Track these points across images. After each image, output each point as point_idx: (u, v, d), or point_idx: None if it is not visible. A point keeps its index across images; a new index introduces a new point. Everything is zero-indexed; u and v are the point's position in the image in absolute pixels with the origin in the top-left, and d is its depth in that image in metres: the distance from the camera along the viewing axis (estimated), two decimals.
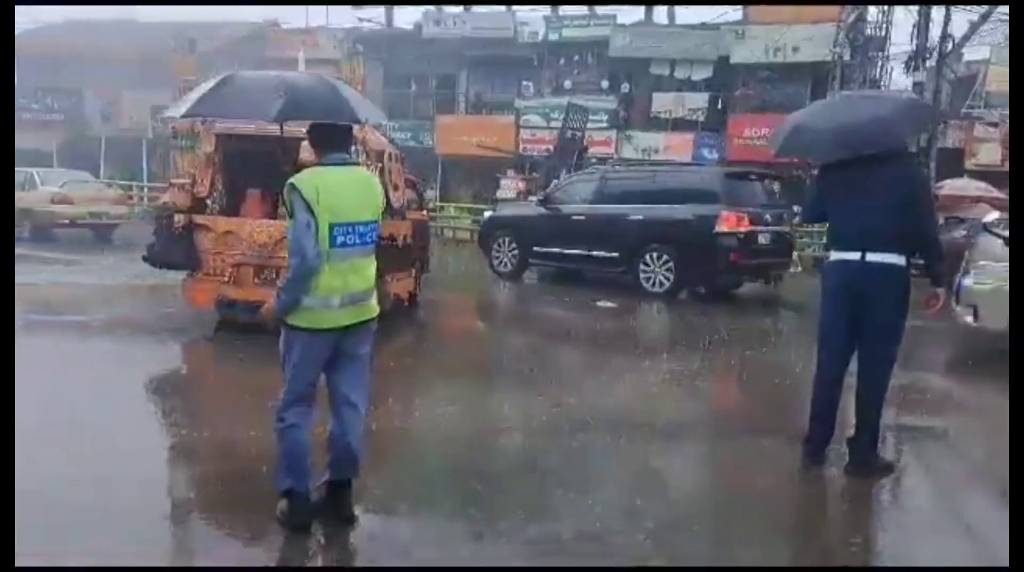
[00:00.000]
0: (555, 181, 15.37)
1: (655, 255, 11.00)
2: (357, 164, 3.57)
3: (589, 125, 21.87)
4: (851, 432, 4.28)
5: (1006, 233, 7.05)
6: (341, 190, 3.21)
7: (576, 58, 24.61)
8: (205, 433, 4.54)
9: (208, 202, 7.53)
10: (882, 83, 22.02)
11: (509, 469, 4.39)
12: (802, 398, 4.56)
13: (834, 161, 4.28)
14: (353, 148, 7.34)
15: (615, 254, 11.35)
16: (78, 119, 27.62)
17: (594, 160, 19.93)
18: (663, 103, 23.26)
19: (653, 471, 4.39)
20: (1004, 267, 6.91)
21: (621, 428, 4.92)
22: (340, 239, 3.16)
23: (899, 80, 22.28)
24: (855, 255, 4.09)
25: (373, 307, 3.36)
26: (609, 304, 10.19)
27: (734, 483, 4.28)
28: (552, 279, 12.71)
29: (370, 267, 3.35)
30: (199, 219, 7.34)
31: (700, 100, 23.00)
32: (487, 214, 14.50)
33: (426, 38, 25.23)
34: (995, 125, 20.31)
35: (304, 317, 3.18)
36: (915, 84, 19.89)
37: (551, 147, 21.69)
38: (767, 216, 11.20)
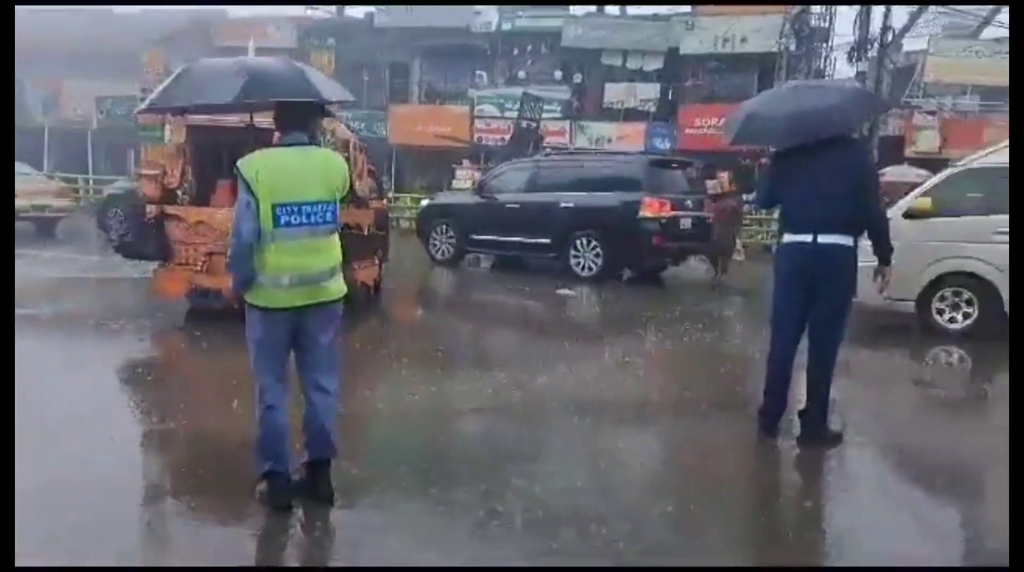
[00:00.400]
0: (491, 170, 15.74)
1: (584, 241, 11.49)
2: (311, 144, 3.48)
3: (543, 115, 22.05)
4: (802, 406, 4.52)
5: None
6: (286, 170, 3.26)
7: (529, 48, 24.73)
8: (183, 420, 4.57)
9: (179, 193, 7.57)
10: (826, 73, 22.61)
11: (483, 450, 4.53)
12: (755, 374, 4.79)
13: (787, 148, 4.48)
14: (325, 138, 7.59)
15: (547, 240, 11.83)
16: (19, 110, 26.75)
17: (548, 150, 20.11)
18: (615, 93, 23.53)
19: (623, 445, 4.57)
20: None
21: (588, 408, 5.10)
22: (284, 219, 3.23)
23: (843, 70, 22.92)
24: (807, 237, 4.29)
25: (332, 290, 3.37)
26: (569, 292, 10.39)
27: (695, 454, 4.49)
28: (507, 267, 12.91)
29: (330, 249, 3.36)
30: (171, 210, 7.39)
31: (651, 91, 23.33)
32: (423, 202, 14.75)
33: (378, 27, 25.08)
34: (933, 113, 21.07)
35: (258, 295, 3.29)
36: (858, 74, 20.50)
37: (506, 137, 21.81)
38: (688, 202, 11.79)
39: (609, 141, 22.78)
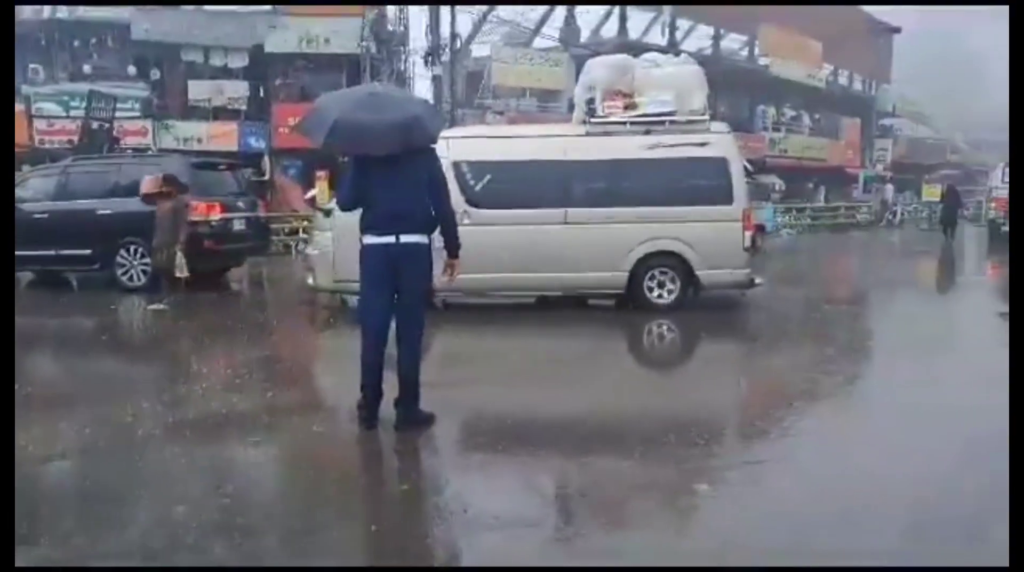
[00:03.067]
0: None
1: (131, 249, 11.10)
2: None
3: (119, 114, 20.05)
4: (396, 394, 4.88)
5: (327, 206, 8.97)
6: None
7: (94, 41, 22.24)
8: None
9: None
10: (408, 75, 24.12)
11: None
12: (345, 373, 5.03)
13: (366, 155, 4.76)
14: None
15: (87, 251, 11.30)
16: None
17: (129, 151, 18.43)
18: (200, 91, 22.34)
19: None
20: (328, 237, 8.93)
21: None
22: None
23: (422, 72, 24.66)
24: (391, 239, 4.68)
25: None
26: (161, 306, 9.73)
27: (300, 449, 4.61)
28: (51, 283, 11.66)
29: None
30: None
31: (240, 88, 22.61)
32: None
33: None
34: (501, 113, 23.81)
35: None
36: (434, 77, 22.21)
37: (75, 139, 19.42)
38: (240, 203, 12.08)
39: (200, 141, 21.57)
